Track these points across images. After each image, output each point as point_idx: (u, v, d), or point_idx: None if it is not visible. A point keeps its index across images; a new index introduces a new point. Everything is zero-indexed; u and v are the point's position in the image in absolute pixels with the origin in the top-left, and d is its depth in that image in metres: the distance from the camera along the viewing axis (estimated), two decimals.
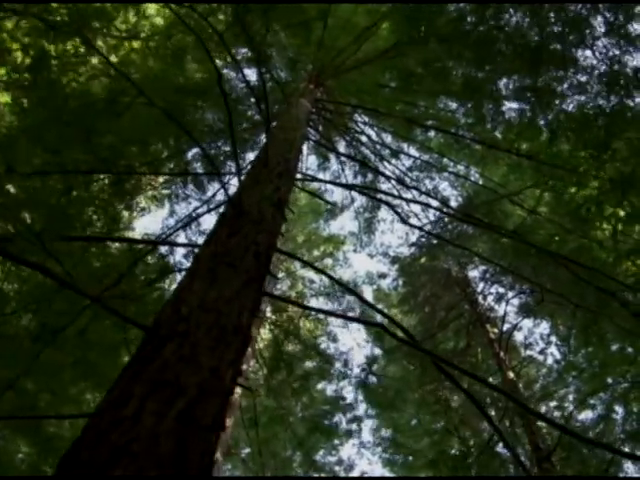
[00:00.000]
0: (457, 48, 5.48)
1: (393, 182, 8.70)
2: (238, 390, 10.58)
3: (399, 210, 11.00)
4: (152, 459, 1.79)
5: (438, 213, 7.69)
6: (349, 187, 7.90)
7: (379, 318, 19.49)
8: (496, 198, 7.49)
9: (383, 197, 9.14)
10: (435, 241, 10.23)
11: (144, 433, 1.86)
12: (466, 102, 6.71)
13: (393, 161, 9.80)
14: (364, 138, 10.06)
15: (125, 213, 6.46)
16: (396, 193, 8.55)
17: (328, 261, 16.83)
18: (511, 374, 10.16)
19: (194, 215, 6.28)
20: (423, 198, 8.04)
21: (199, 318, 2.53)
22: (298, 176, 8.87)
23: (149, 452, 1.80)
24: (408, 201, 7.32)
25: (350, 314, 15.61)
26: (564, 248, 6.04)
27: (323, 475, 18.69)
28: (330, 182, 8.31)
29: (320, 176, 13.77)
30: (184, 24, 4.61)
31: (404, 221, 6.06)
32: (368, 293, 25.58)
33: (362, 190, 7.17)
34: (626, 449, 12.81)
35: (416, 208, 10.80)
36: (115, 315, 2.43)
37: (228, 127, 3.48)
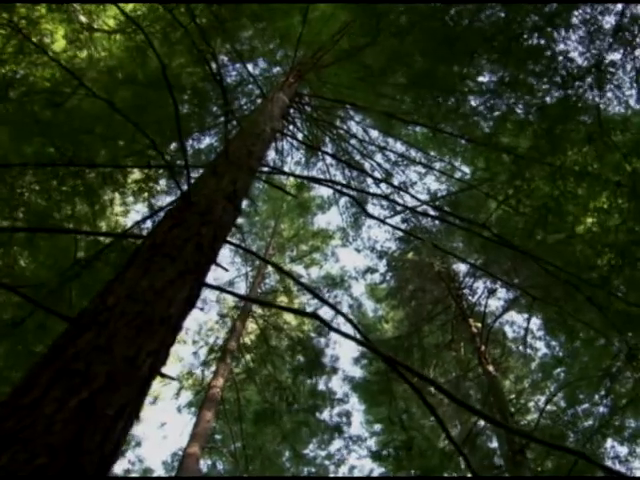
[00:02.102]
0: (424, 43, 5.47)
1: (372, 178, 8.68)
2: (220, 384, 10.62)
3: (386, 205, 11.07)
4: (44, 446, 1.79)
5: (416, 206, 7.65)
6: (314, 180, 7.87)
7: (374, 314, 19.58)
8: (464, 189, 7.47)
9: (365, 192, 9.17)
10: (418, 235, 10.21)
11: (40, 420, 1.86)
12: (440, 96, 6.69)
13: (371, 154, 9.80)
14: (345, 132, 10.04)
15: (88, 206, 6.45)
16: (371, 187, 8.53)
17: (316, 255, 16.85)
18: (491, 368, 10.17)
19: (157, 208, 6.28)
20: (395, 191, 8.03)
21: (124, 308, 2.53)
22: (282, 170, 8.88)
23: (42, 439, 1.81)
24: (380, 196, 7.31)
25: (338, 308, 15.64)
26: (534, 241, 6.03)
27: (313, 470, 18.80)
28: (294, 175, 8.28)
29: (305, 172, 13.81)
30: (134, 23, 4.59)
31: (368, 215, 6.07)
32: (359, 288, 25.52)
33: (328, 184, 7.15)
34: (610, 441, 12.92)
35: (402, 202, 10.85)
36: (38, 306, 2.43)
37: (176, 119, 3.46)
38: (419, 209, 7.47)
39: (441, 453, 9.11)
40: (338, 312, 3.76)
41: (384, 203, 10.76)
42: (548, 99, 5.75)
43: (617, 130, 5.24)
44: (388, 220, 10.76)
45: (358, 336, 3.66)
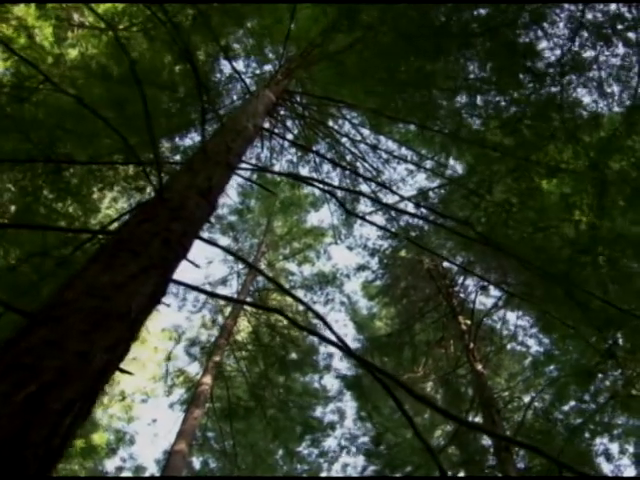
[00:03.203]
0: (399, 42, 5.45)
1: (360, 177, 8.69)
2: (209, 381, 10.63)
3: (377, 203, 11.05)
4: None
5: (397, 202, 7.67)
6: (296, 178, 7.87)
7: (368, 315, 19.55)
8: (443, 184, 7.47)
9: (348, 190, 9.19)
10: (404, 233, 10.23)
11: None
12: (422, 93, 6.69)
13: (362, 152, 9.82)
14: (333, 130, 10.04)
15: (77, 203, 6.46)
16: (361, 185, 8.54)
17: (309, 253, 16.84)
18: (479, 365, 10.18)
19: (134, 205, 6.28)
20: (380, 189, 8.04)
21: (81, 303, 2.53)
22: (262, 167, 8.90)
23: None
24: (362, 194, 7.31)
25: (329, 306, 15.73)
26: (512, 238, 6.02)
27: (307, 468, 18.80)
28: (275, 172, 8.28)
29: (299, 169, 13.81)
30: (104, 20, 4.58)
31: (349, 212, 6.08)
32: (354, 286, 25.55)
33: (311, 182, 7.15)
34: (603, 439, 12.96)
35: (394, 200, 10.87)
36: None
37: (145, 115, 3.45)
38: (407, 208, 7.46)
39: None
40: (310, 310, 3.75)
41: (374, 201, 10.78)
42: (527, 96, 5.75)
43: (588, 128, 5.25)
44: (375, 218, 10.80)
45: (328, 334, 3.65)
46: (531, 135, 5.50)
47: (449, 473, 13.20)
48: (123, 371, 2.53)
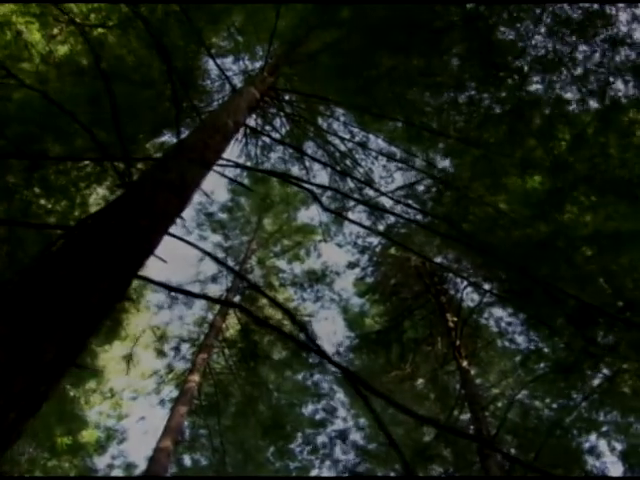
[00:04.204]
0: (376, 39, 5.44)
1: (344, 175, 8.69)
2: (196, 378, 10.63)
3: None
4: None
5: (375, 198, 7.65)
6: (273, 174, 7.86)
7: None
8: (420, 179, 7.47)
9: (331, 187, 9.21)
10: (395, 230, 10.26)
11: None
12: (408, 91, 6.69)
13: (350, 150, 9.83)
14: (319, 127, 10.04)
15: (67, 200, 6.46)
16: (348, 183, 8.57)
17: (299, 251, 16.82)
18: (464, 362, 10.21)
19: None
20: (363, 186, 8.06)
21: (35, 297, 2.53)
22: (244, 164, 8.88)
23: None
24: (343, 194, 7.32)
25: (319, 303, 15.77)
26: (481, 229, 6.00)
27: (299, 465, 18.81)
28: (252, 169, 8.28)
29: (290, 166, 13.80)
30: (70, 18, 4.56)
31: (325, 208, 6.09)
32: (347, 283, 25.51)
33: (290, 180, 7.14)
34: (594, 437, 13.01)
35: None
36: None
37: (112, 110, 3.44)
38: (395, 207, 7.45)
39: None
40: (277, 305, 3.75)
41: (361, 202, 10.75)
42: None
43: (562, 124, 5.26)
44: (361, 216, 10.81)
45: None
46: (505, 131, 5.51)
47: (441, 470, 13.23)
48: (81, 367, 2.52)
